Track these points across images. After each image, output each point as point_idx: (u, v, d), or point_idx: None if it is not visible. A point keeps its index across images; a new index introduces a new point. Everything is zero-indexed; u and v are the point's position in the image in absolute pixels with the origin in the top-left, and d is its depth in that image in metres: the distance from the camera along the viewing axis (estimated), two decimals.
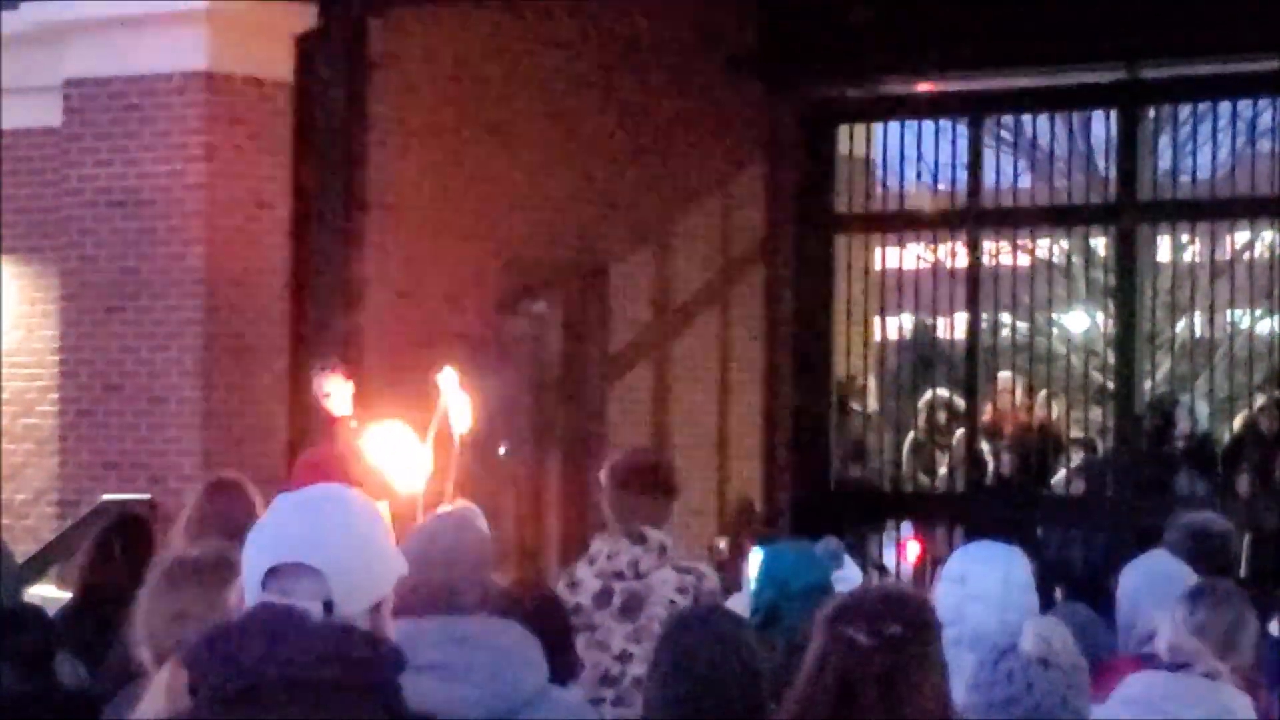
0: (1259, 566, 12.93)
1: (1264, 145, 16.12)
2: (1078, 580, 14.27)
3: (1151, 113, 16.23)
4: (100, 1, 12.15)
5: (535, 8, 14.07)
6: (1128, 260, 15.56)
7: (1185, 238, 18.47)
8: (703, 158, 15.60)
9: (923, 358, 18.16)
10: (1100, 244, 17.38)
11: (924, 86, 16.19)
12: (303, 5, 12.41)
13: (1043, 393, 16.48)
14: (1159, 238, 16.30)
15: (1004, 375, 16.45)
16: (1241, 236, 17.66)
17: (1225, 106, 15.49)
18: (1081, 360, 18.53)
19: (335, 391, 10.81)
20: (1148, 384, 15.85)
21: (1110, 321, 16.26)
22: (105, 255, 12.20)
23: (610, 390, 15.00)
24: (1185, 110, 18.17)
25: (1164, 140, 16.90)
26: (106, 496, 11.57)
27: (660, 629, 4.92)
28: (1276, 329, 15.86)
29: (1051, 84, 15.77)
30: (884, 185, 17.07)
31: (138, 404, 12.07)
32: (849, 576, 8.16)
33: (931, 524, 16.03)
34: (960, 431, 16.03)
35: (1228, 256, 17.00)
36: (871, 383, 16.92)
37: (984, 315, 16.03)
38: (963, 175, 16.02)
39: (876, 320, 17.14)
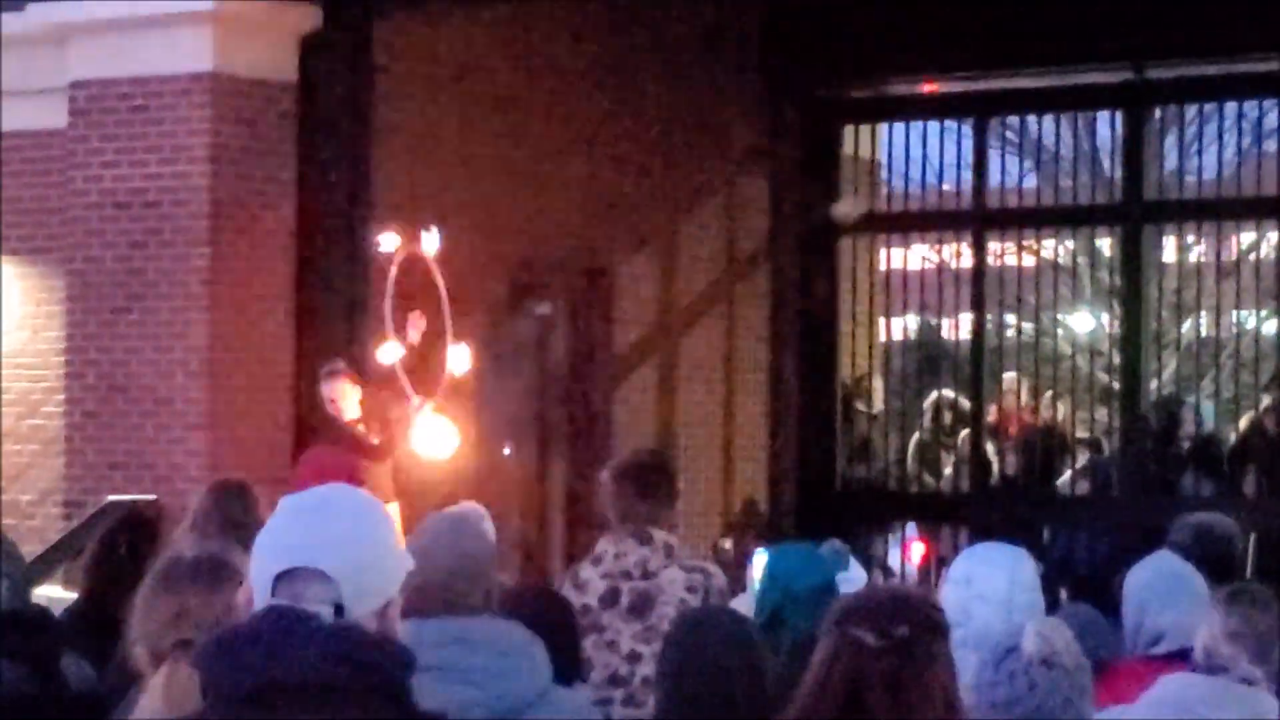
0: (1265, 567, 12.91)
1: (1270, 145, 16.16)
2: (1083, 581, 14.27)
3: (1157, 113, 16.25)
4: (105, 2, 12.16)
5: (539, 9, 14.07)
6: (1133, 260, 15.56)
7: (1191, 238, 18.49)
8: (707, 158, 15.60)
9: (928, 358, 18.16)
10: (1106, 244, 17.39)
11: (929, 87, 16.18)
12: (308, 6, 12.42)
13: (1048, 393, 16.47)
14: (1165, 238, 16.32)
15: (1009, 376, 16.45)
16: (1247, 237, 17.65)
17: (1231, 107, 15.47)
18: (1087, 361, 18.52)
19: (342, 396, 10.83)
20: (1153, 384, 15.84)
21: (1116, 322, 16.25)
22: (110, 256, 12.21)
23: (615, 391, 15.00)
24: (1191, 111, 18.20)
25: (1170, 141, 16.93)
26: (112, 497, 11.58)
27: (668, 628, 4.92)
28: None
29: (1057, 84, 15.76)
30: (889, 186, 17.07)
31: (143, 405, 12.08)
32: (854, 578, 8.15)
33: (936, 525, 16.03)
34: (965, 432, 16.02)
35: (1233, 257, 16.98)
36: (877, 383, 16.91)
37: (989, 316, 16.03)
38: (968, 176, 16.02)
39: (881, 321, 17.14)
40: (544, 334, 14.72)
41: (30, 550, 10.79)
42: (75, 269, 12.39)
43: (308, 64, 12.49)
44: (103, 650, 5.32)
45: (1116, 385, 16.16)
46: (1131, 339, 15.54)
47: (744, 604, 6.54)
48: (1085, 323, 21.42)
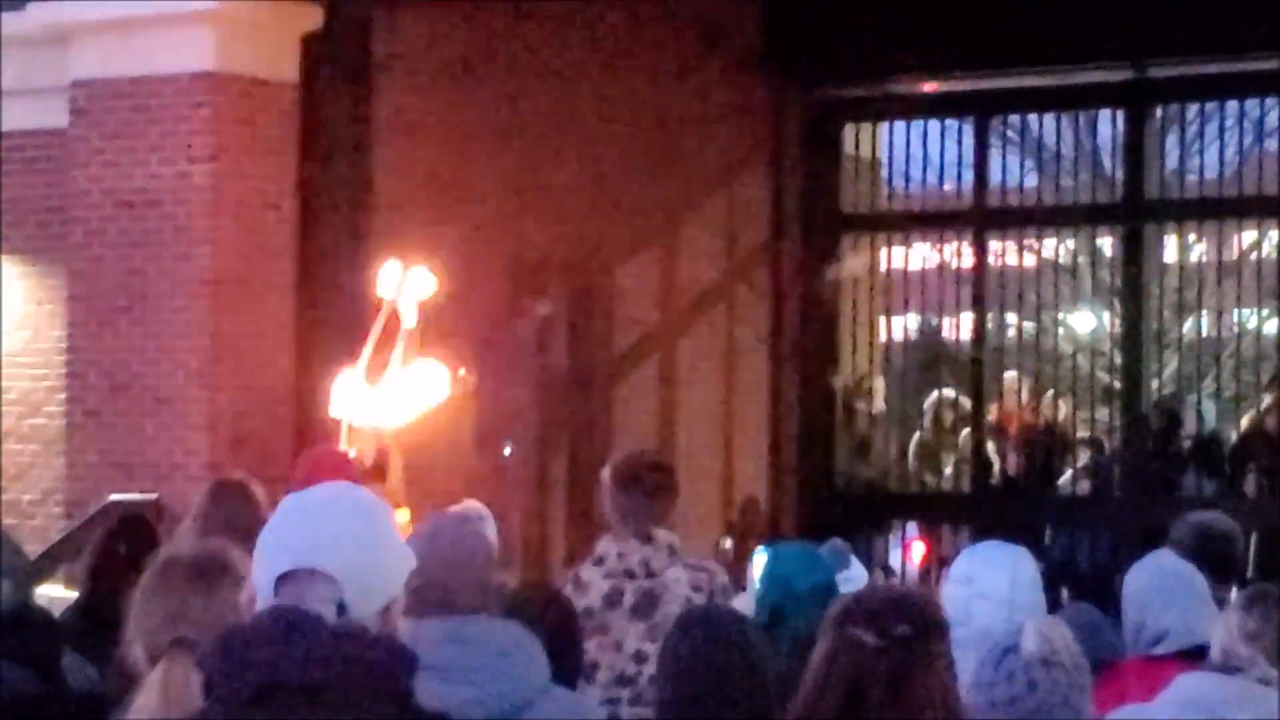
0: (1266, 566, 12.91)
1: (1271, 144, 16.15)
2: (1084, 580, 14.28)
3: (1158, 112, 16.23)
4: (106, 2, 12.16)
5: (539, 7, 14.07)
6: (1134, 260, 15.56)
7: (1192, 237, 18.48)
8: (708, 157, 15.60)
9: (928, 358, 18.16)
10: (1107, 244, 17.38)
11: (930, 86, 16.19)
12: (308, 6, 12.42)
13: (1049, 393, 16.47)
14: (1166, 237, 16.32)
15: (1010, 375, 16.45)
16: (1249, 236, 17.65)
17: (1232, 106, 15.47)
18: (1088, 360, 18.51)
19: (358, 396, 10.80)
20: (1154, 384, 15.84)
21: (1117, 321, 16.26)
22: (112, 256, 12.21)
23: (615, 391, 15.00)
24: (1192, 110, 18.15)
25: (1171, 140, 16.91)
26: (113, 497, 11.57)
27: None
28: None
29: (1058, 83, 15.76)
30: (890, 185, 17.07)
31: (144, 404, 12.08)
32: (855, 577, 8.14)
33: (937, 524, 16.03)
34: (966, 432, 16.03)
35: (1235, 256, 16.98)
36: (877, 383, 16.91)
37: (990, 315, 16.04)
38: (969, 175, 16.02)
39: (882, 320, 17.14)
40: (544, 333, 14.72)
41: (32, 550, 10.78)
42: (76, 268, 12.40)
43: (308, 63, 12.49)
44: (103, 650, 5.31)
45: (1117, 385, 16.16)
46: (1132, 338, 15.54)
47: (744, 603, 6.53)
48: (1086, 322, 21.40)
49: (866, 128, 16.46)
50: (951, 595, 5.28)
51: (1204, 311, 17.69)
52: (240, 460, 11.29)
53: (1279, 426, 15.06)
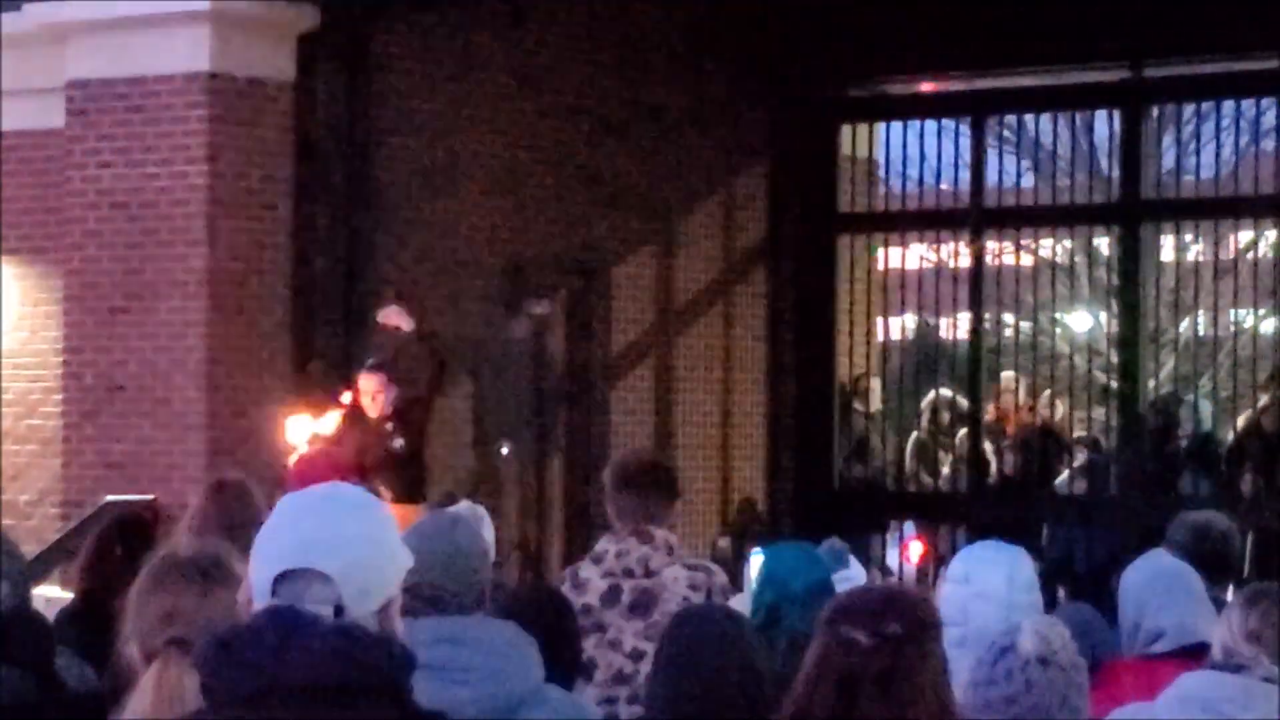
0: (1263, 565, 12.91)
1: (1267, 144, 16.14)
2: (1081, 579, 14.28)
3: (1154, 112, 16.25)
4: (102, 3, 12.15)
5: (536, 8, 14.07)
6: (1131, 260, 15.56)
7: (1188, 237, 18.48)
8: (705, 157, 15.60)
9: (926, 358, 18.16)
10: (1103, 243, 17.39)
11: (927, 86, 16.19)
12: (305, 6, 12.42)
13: (1046, 392, 16.47)
14: (1162, 237, 16.31)
15: (1007, 375, 16.45)
16: (1245, 236, 17.65)
17: (1228, 106, 15.47)
18: (1085, 360, 18.52)
19: (379, 393, 10.81)
20: (1151, 383, 15.84)
21: (1113, 321, 16.26)
22: (108, 257, 12.21)
23: (612, 390, 15.00)
24: (1188, 109, 18.19)
25: (1167, 139, 16.93)
26: (110, 497, 11.58)
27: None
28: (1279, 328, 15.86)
29: (1054, 83, 15.76)
30: (886, 185, 17.07)
31: (141, 405, 12.08)
32: (854, 576, 8.13)
33: (935, 524, 16.03)
34: (963, 431, 16.03)
35: (1231, 256, 16.99)
36: (875, 383, 16.91)
37: (987, 315, 16.03)
38: (965, 175, 16.02)
39: (879, 320, 17.13)
40: (542, 333, 14.72)
41: (28, 550, 10.78)
42: (73, 269, 12.39)
43: (305, 63, 12.49)
44: (99, 650, 5.31)
45: (1114, 384, 16.16)
46: (1129, 338, 15.54)
47: (740, 603, 6.53)
48: (1083, 322, 21.42)
49: (863, 128, 16.45)
50: (949, 595, 5.27)
51: (1200, 311, 17.72)
52: (237, 460, 11.29)
53: (1276, 426, 15.06)
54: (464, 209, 13.64)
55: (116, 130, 12.20)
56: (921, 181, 16.54)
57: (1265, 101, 15.45)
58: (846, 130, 16.38)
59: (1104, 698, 4.87)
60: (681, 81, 15.22)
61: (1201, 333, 18.03)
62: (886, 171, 17.01)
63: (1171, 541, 6.43)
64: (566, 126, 14.37)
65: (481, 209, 13.75)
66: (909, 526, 16.07)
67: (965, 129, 16.05)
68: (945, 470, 16.27)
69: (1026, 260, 18.72)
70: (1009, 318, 17.14)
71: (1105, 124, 15.80)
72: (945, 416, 16.38)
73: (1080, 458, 15.82)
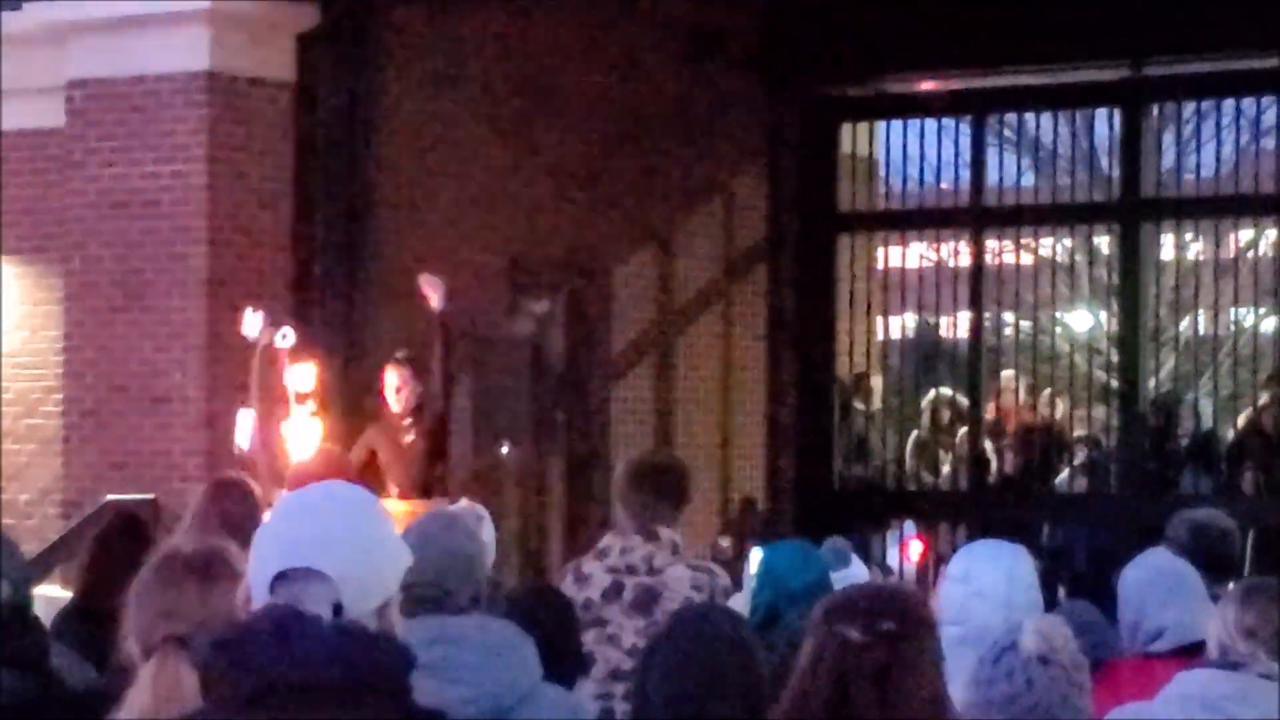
0: (1263, 564, 12.91)
1: (1267, 143, 16.14)
2: (1081, 578, 14.28)
3: (1155, 110, 16.23)
4: (103, 2, 12.15)
5: (536, 8, 14.07)
6: (1131, 258, 15.56)
7: (1189, 235, 18.49)
8: (705, 156, 15.60)
9: (926, 357, 18.16)
10: (1104, 242, 17.38)
11: (927, 85, 16.18)
12: (305, 5, 12.42)
13: (1046, 391, 16.47)
14: (1162, 236, 16.30)
15: (1007, 374, 16.45)
16: (1245, 234, 17.65)
17: (1229, 104, 15.47)
18: (1085, 358, 18.52)
19: (403, 387, 10.74)
20: (1151, 382, 15.84)
21: (1114, 320, 16.26)
22: (109, 256, 12.21)
23: (612, 390, 15.00)
24: (1189, 108, 18.17)
25: (1167, 138, 16.93)
26: (110, 496, 11.57)
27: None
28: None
29: (1055, 82, 15.76)
30: (887, 184, 17.07)
31: (141, 404, 12.08)
32: (856, 575, 8.14)
33: (935, 523, 16.03)
34: (964, 430, 16.03)
35: (1231, 254, 16.98)
36: (875, 382, 16.92)
37: (987, 314, 16.03)
38: (966, 173, 16.02)
39: (879, 319, 17.13)
40: (542, 332, 14.72)
41: (29, 550, 10.77)
42: (73, 268, 12.39)
43: (305, 62, 12.49)
44: (99, 650, 5.31)
45: (1115, 383, 16.17)
46: (1129, 337, 15.54)
47: (739, 602, 6.54)
48: (1083, 320, 21.41)
49: (863, 127, 16.46)
50: (949, 593, 5.28)
51: (1201, 310, 17.70)
52: (237, 460, 11.28)
53: (1276, 424, 15.06)
54: (463, 208, 13.63)
55: (117, 129, 12.20)
56: (922, 180, 16.54)
57: (1265, 100, 15.45)
58: (846, 129, 16.38)
59: (1104, 696, 4.86)
60: (681, 80, 15.22)
61: (1202, 331, 18.01)
62: (886, 170, 17.01)
63: (1171, 540, 6.43)
64: (566, 126, 14.37)
65: (481, 208, 13.75)
66: (909, 525, 16.06)
67: (965, 128, 16.05)
68: (945, 469, 16.27)
69: (1027, 259, 18.70)
70: (1009, 316, 17.15)
71: (1105, 123, 15.80)
72: (945, 415, 16.38)
73: (1080, 456, 15.81)
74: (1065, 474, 15.76)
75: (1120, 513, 14.91)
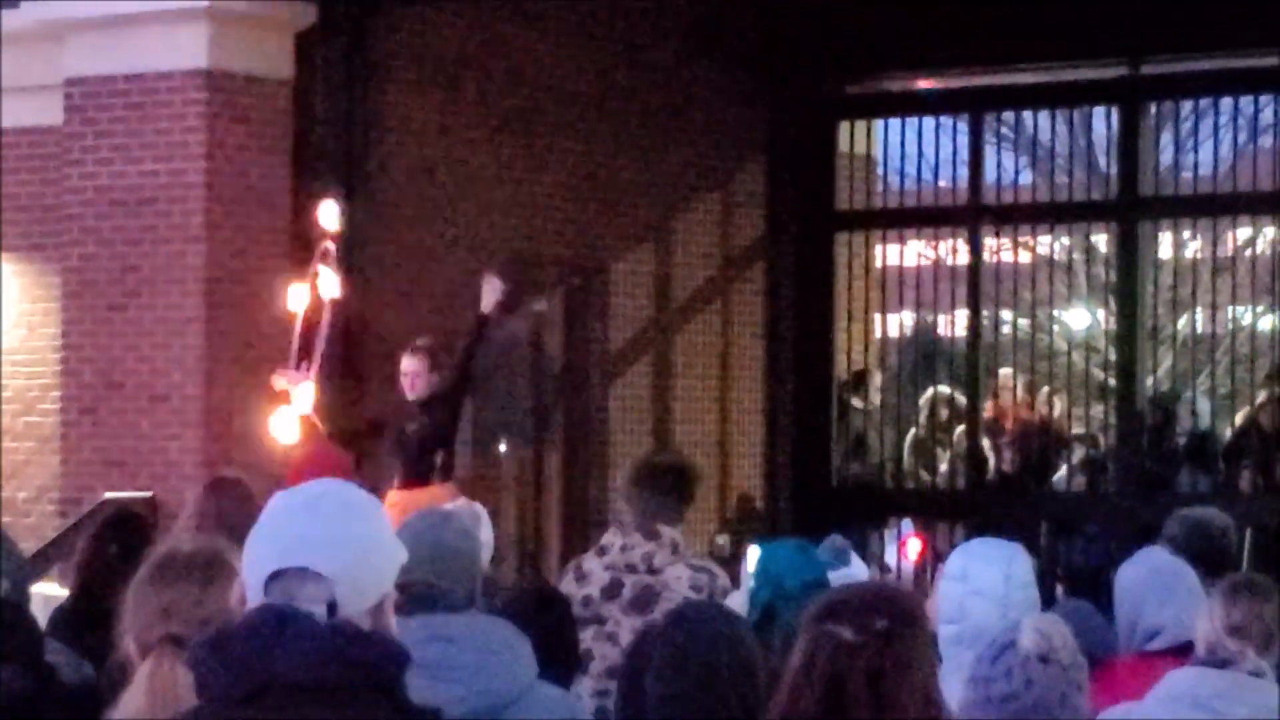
0: (1261, 563, 12.92)
1: (1265, 141, 16.13)
2: (1079, 576, 14.28)
3: (1153, 109, 16.23)
4: (101, 0, 12.15)
5: (534, 6, 14.07)
6: (1129, 256, 15.55)
7: (1187, 234, 18.47)
8: (703, 155, 15.60)
9: (924, 355, 18.17)
10: (1101, 240, 17.39)
11: (925, 83, 16.18)
12: (303, 3, 12.42)
13: (1044, 389, 16.47)
14: (1160, 234, 16.29)
15: (1005, 372, 16.45)
16: (1243, 233, 17.66)
17: (1227, 102, 15.48)
18: (1083, 357, 18.52)
19: (419, 375, 10.69)
20: (1149, 380, 15.84)
21: (1112, 318, 16.25)
22: (107, 253, 12.21)
23: (610, 388, 15.00)
24: (1186, 106, 18.18)
25: (1165, 136, 16.91)
26: (108, 494, 11.57)
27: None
28: (1278, 325, 15.86)
29: (1052, 80, 15.76)
30: (885, 182, 17.07)
31: (139, 402, 12.07)
32: (855, 574, 8.13)
33: (933, 521, 16.02)
34: (961, 428, 16.02)
35: (1229, 253, 16.99)
36: (873, 380, 16.91)
37: (985, 312, 16.03)
38: (964, 172, 16.01)
39: (877, 317, 17.13)
40: (540, 330, 14.72)
41: (26, 548, 10.77)
42: (71, 266, 12.39)
43: (303, 60, 12.49)
44: (94, 648, 5.31)
45: (1112, 381, 16.16)
46: (1127, 335, 15.53)
47: (737, 600, 6.54)
48: (1081, 319, 21.42)
49: (861, 125, 16.44)
50: (946, 592, 5.27)
51: (1199, 308, 17.70)
52: (235, 458, 11.29)
53: (1274, 423, 15.06)
54: (462, 206, 13.63)
55: (115, 127, 12.20)
56: (920, 178, 16.55)
57: (1263, 98, 15.44)
58: (845, 127, 16.37)
59: (1102, 695, 4.87)
60: (680, 79, 15.21)
61: (1200, 330, 18.01)
62: (885, 168, 17.01)
63: (1168, 538, 6.44)
64: (565, 124, 14.36)
65: (479, 206, 13.75)
66: (907, 524, 16.05)
67: (963, 126, 16.04)
68: (943, 467, 16.27)
69: (1025, 257, 18.69)
70: (1007, 315, 17.13)
71: (1103, 121, 15.79)
72: (943, 413, 16.38)
73: (1078, 454, 15.82)
74: (1063, 472, 15.76)
75: (1118, 511, 14.91)
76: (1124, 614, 5.64)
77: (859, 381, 16.38)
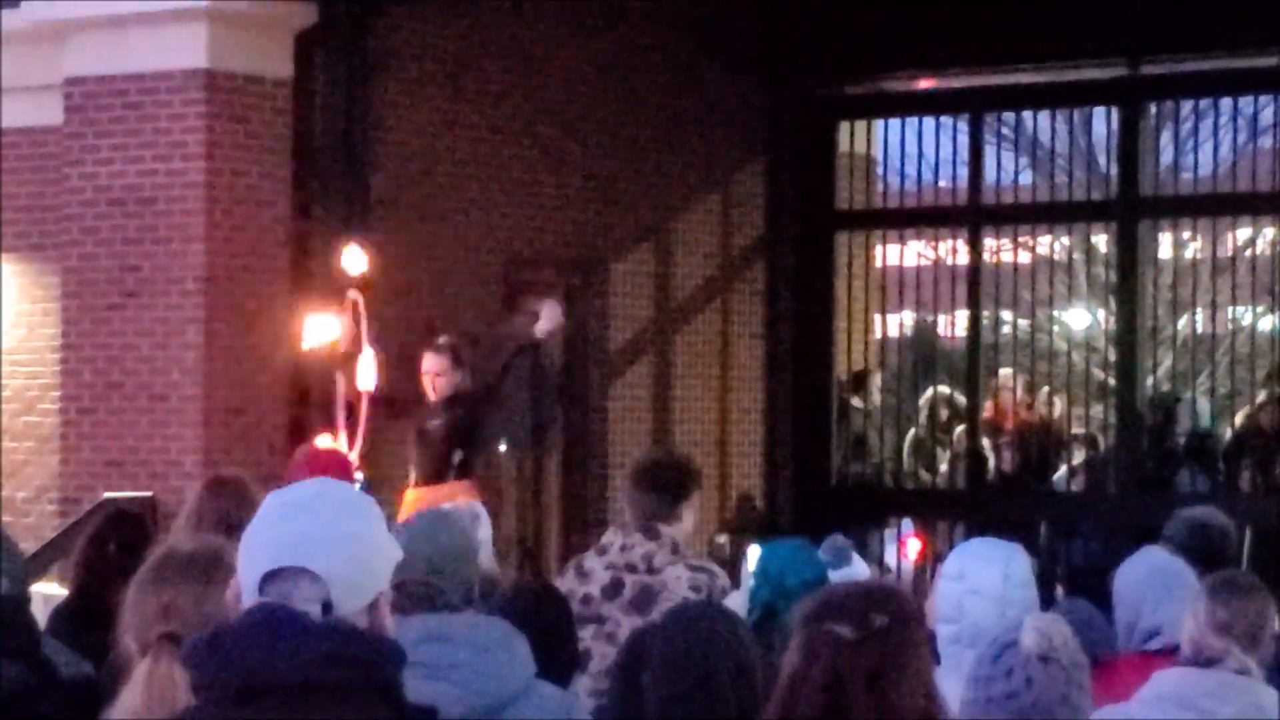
0: (1261, 563, 12.92)
1: (1265, 141, 16.13)
2: (1079, 576, 14.28)
3: (1153, 109, 16.23)
4: (101, 0, 12.15)
5: (534, 6, 14.07)
6: (1129, 257, 15.55)
7: (1186, 234, 18.47)
8: (703, 155, 15.60)
9: (924, 355, 18.17)
10: (1101, 240, 17.39)
11: (925, 83, 16.18)
12: (302, 3, 12.41)
13: (1044, 389, 16.47)
14: (1160, 234, 16.30)
15: (1005, 372, 16.45)
16: (1243, 233, 17.66)
17: (1226, 103, 15.48)
18: (1083, 357, 18.52)
19: (441, 374, 10.66)
20: (1149, 380, 15.84)
21: (1111, 318, 16.26)
22: (106, 253, 12.21)
23: (610, 387, 14.99)
24: (1186, 106, 18.18)
25: (1165, 136, 16.91)
26: (108, 494, 11.57)
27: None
28: (1278, 325, 15.87)
29: (1052, 80, 15.76)
30: (885, 182, 17.07)
31: (139, 401, 12.07)
32: (856, 573, 8.13)
33: (933, 521, 16.03)
34: (961, 428, 16.03)
35: (1229, 253, 16.99)
36: (873, 380, 16.92)
37: (985, 312, 16.03)
38: (963, 172, 16.01)
39: (877, 317, 17.13)
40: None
41: (26, 548, 10.77)
42: (71, 265, 12.39)
43: (302, 60, 12.49)
44: (93, 647, 5.31)
45: (1112, 381, 16.16)
46: (1127, 335, 15.53)
47: (737, 600, 6.53)
48: (1081, 319, 21.42)
49: (861, 125, 16.45)
50: (944, 591, 5.27)
51: (1199, 308, 17.70)
52: (235, 457, 11.29)
53: (1274, 423, 15.07)
54: (461, 206, 13.63)
55: (114, 127, 12.20)
56: (920, 179, 16.54)
57: (1263, 98, 15.44)
58: (844, 127, 16.37)
59: (1102, 694, 4.86)
60: (679, 79, 15.21)
61: (1200, 330, 18.02)
62: (884, 168, 17.01)
63: (1168, 538, 6.44)
64: (564, 124, 14.36)
65: (479, 206, 13.74)
66: (906, 523, 16.06)
67: (963, 126, 16.04)
68: (943, 467, 16.27)
69: (1025, 257, 18.70)
70: (1007, 315, 17.14)
71: (1103, 121, 15.79)
72: (943, 413, 16.38)
73: (1078, 455, 15.82)
74: (1063, 472, 15.76)
75: (1117, 511, 14.91)
76: (1123, 614, 5.64)
77: (859, 382, 16.38)
